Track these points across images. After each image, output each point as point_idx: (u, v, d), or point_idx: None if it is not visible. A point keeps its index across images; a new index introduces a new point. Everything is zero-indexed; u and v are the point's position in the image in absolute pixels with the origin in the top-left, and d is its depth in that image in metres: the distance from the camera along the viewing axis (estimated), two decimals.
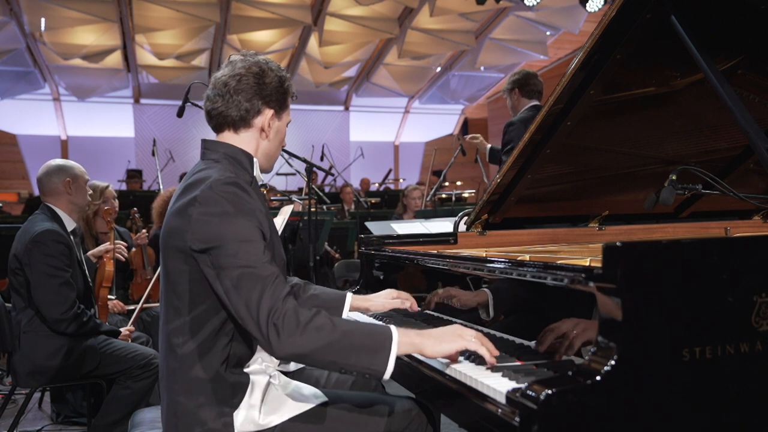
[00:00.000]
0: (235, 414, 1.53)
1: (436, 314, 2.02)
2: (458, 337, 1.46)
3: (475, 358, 1.53)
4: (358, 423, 1.62)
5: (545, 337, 1.49)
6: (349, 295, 1.99)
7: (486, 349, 1.44)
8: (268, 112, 1.69)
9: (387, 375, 1.41)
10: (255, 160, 1.72)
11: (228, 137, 1.70)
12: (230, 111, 1.66)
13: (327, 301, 1.97)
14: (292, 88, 1.76)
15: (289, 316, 1.40)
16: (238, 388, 1.56)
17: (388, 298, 1.99)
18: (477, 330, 1.77)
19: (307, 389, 1.69)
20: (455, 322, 1.84)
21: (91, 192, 3.18)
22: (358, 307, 2.00)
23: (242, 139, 1.70)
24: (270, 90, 1.67)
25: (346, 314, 1.96)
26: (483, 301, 1.75)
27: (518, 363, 1.51)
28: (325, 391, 1.70)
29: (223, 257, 1.45)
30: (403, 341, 1.43)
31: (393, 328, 1.45)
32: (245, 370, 1.61)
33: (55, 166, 3.01)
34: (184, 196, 1.55)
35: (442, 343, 1.45)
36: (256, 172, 1.72)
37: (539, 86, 3.94)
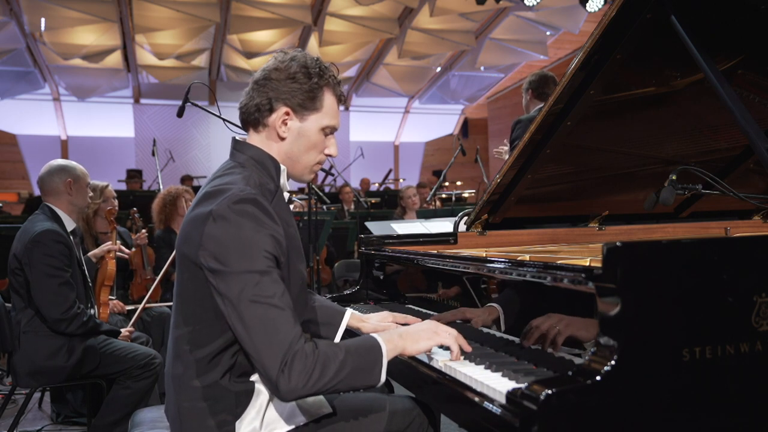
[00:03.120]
0: (238, 423, 1.52)
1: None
2: (434, 333, 1.55)
3: (473, 356, 1.55)
4: (359, 423, 1.63)
5: (530, 332, 1.52)
6: (348, 314, 1.92)
7: (458, 344, 1.54)
8: (281, 110, 1.57)
9: (380, 384, 1.46)
10: (283, 168, 1.63)
11: (252, 137, 1.63)
12: (248, 107, 1.60)
13: (324, 317, 1.92)
14: (332, 87, 1.62)
15: (298, 364, 1.35)
16: (243, 397, 1.53)
17: (382, 322, 1.91)
18: (478, 330, 1.77)
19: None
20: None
21: (91, 194, 3.18)
22: (351, 326, 1.93)
23: (262, 140, 1.62)
24: (289, 86, 1.56)
25: (342, 331, 1.91)
26: (495, 318, 1.70)
27: (513, 359, 1.51)
28: None
29: (231, 287, 1.39)
30: (389, 348, 1.47)
31: (379, 339, 1.48)
32: (251, 378, 1.57)
33: (57, 166, 3.02)
34: (203, 203, 1.49)
35: (419, 341, 1.53)
36: (283, 180, 1.63)
37: (553, 91, 3.92)
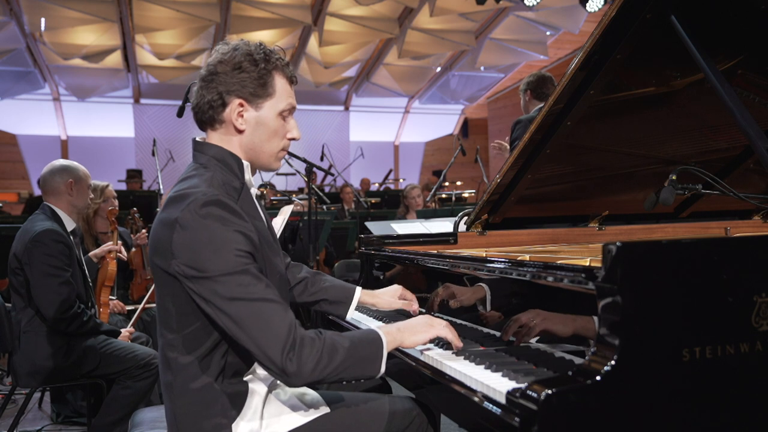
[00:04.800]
0: (234, 425, 1.51)
1: (438, 314, 2.02)
2: (429, 326, 1.59)
3: (473, 356, 1.55)
4: (359, 423, 1.62)
5: (509, 325, 1.58)
6: (358, 292, 1.98)
7: (453, 336, 1.59)
8: (234, 102, 1.54)
9: (380, 375, 1.49)
10: (246, 164, 1.61)
11: (210, 136, 1.60)
12: (200, 106, 1.56)
13: (335, 295, 1.98)
14: (281, 69, 1.58)
15: (307, 349, 1.38)
16: (237, 398, 1.53)
17: (394, 297, 1.97)
18: (478, 330, 1.77)
19: (309, 394, 1.67)
20: (456, 322, 1.85)
21: (91, 195, 3.18)
22: (364, 303, 1.99)
23: (221, 137, 1.59)
24: (237, 76, 1.52)
25: (353, 310, 1.97)
26: (481, 297, 1.76)
27: (513, 359, 1.51)
28: (326, 392, 1.70)
29: (214, 291, 1.39)
30: (388, 341, 1.51)
31: (380, 331, 1.52)
32: (244, 378, 1.57)
33: (59, 166, 3.02)
34: (168, 209, 1.47)
35: (416, 334, 1.57)
36: (248, 176, 1.62)
37: (552, 91, 3.92)
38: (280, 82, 1.59)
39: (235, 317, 1.39)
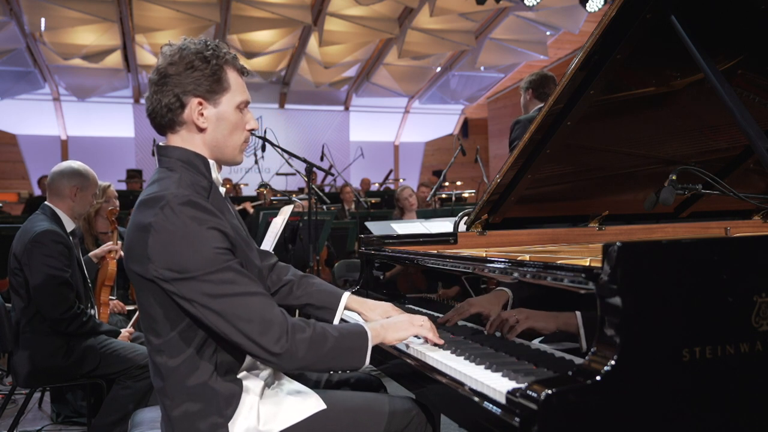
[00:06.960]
0: (230, 424, 1.51)
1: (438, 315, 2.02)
2: (410, 324, 1.69)
3: (473, 356, 1.55)
4: (358, 424, 1.62)
5: (495, 321, 1.64)
6: (345, 297, 1.92)
7: (432, 334, 1.69)
8: (193, 102, 1.54)
9: (364, 367, 1.57)
10: (212, 163, 1.61)
11: (171, 138, 1.60)
12: (157, 110, 1.56)
13: (321, 300, 1.93)
14: (231, 63, 1.60)
15: (299, 333, 1.45)
16: (232, 397, 1.52)
17: (383, 317, 1.88)
18: (479, 330, 1.77)
19: (306, 392, 1.67)
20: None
21: (92, 203, 3.17)
22: (352, 309, 1.94)
23: (183, 138, 1.59)
24: (191, 76, 1.52)
25: (340, 316, 1.92)
26: (504, 302, 1.70)
27: (513, 359, 1.51)
28: (324, 392, 1.69)
29: (198, 290, 1.40)
30: (373, 335, 1.58)
31: (365, 326, 1.59)
32: (238, 376, 1.57)
33: (70, 169, 3.00)
34: (140, 213, 1.47)
35: (398, 331, 1.66)
36: (215, 175, 1.62)
37: (553, 91, 3.94)
38: (232, 76, 1.60)
39: (222, 313, 1.41)
